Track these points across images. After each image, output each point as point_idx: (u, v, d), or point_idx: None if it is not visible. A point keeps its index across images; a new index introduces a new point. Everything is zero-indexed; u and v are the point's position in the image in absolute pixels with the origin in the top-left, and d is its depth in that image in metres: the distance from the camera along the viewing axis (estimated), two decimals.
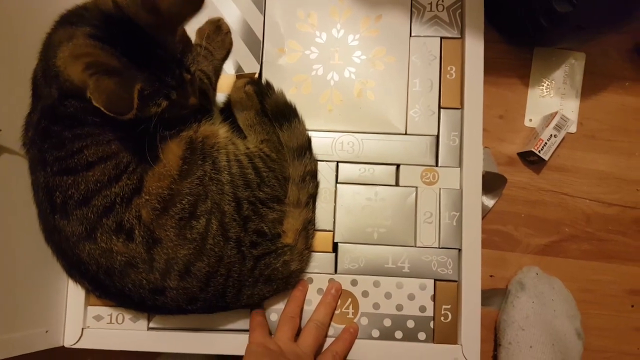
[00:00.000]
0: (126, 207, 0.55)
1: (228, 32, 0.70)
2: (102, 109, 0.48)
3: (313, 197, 0.67)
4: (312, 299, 0.67)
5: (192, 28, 0.70)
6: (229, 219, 0.59)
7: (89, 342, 0.66)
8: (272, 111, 0.67)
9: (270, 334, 0.65)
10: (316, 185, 0.68)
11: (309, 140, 0.68)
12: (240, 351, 0.64)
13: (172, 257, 0.56)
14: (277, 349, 0.59)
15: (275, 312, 0.66)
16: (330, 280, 0.67)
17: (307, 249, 0.66)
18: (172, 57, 0.54)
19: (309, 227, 0.66)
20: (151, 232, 0.55)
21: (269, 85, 0.69)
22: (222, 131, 0.64)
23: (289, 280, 0.65)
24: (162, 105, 0.53)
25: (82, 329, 0.66)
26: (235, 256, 0.59)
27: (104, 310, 0.67)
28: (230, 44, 0.71)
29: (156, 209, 0.55)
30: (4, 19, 0.58)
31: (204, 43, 0.68)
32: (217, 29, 0.70)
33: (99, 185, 0.55)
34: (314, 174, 0.68)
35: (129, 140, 0.57)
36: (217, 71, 0.70)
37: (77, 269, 0.59)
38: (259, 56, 0.71)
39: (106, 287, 0.59)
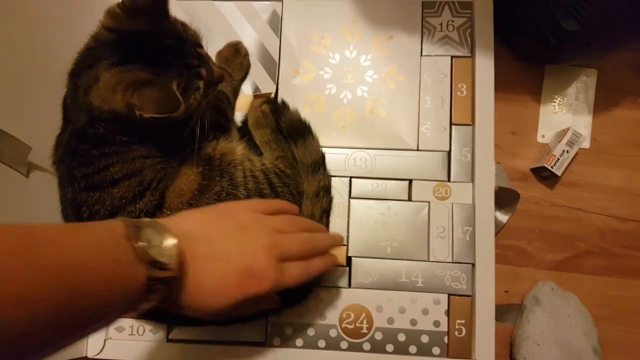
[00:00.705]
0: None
1: (246, 54, 0.73)
2: (155, 115, 0.51)
3: (327, 212, 0.69)
4: (326, 313, 0.68)
5: (211, 51, 0.73)
6: None
7: (111, 353, 0.68)
8: (287, 129, 0.70)
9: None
10: (330, 201, 0.69)
11: (322, 156, 0.70)
12: None
13: None
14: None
15: (290, 325, 0.68)
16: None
17: None
18: (182, 41, 0.56)
19: None
20: None
21: (284, 104, 0.71)
22: (239, 148, 0.66)
23: (302, 292, 0.66)
24: (200, 86, 0.56)
25: (105, 340, 0.68)
26: None
27: (126, 322, 0.69)
28: (249, 65, 0.74)
29: None
30: (38, 44, 0.62)
31: (223, 65, 0.71)
32: (236, 52, 0.73)
33: (123, 201, 0.57)
34: (327, 189, 0.69)
35: (152, 158, 0.59)
36: (236, 92, 0.73)
37: None
38: (274, 76, 0.74)
39: None
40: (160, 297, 0.42)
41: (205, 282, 0.46)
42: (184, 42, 0.56)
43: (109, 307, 0.39)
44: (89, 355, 0.68)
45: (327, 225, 0.69)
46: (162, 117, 0.51)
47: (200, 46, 0.58)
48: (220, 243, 0.49)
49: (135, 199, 0.57)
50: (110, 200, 0.57)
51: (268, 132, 0.70)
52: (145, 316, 0.66)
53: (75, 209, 0.59)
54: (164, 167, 0.60)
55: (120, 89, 0.52)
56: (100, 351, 0.68)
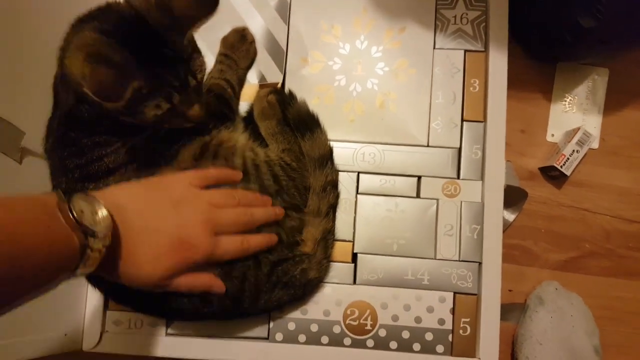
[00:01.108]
0: None
1: (252, 41, 0.71)
2: (91, 94, 0.47)
3: (333, 207, 0.67)
4: (330, 309, 0.66)
5: (217, 37, 0.70)
6: None
7: (108, 347, 0.66)
8: (295, 120, 0.68)
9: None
10: (337, 196, 0.68)
11: (330, 150, 0.68)
12: (258, 358, 0.65)
13: None
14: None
15: (293, 321, 0.66)
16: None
17: (326, 259, 0.66)
18: (179, 58, 0.52)
19: (328, 237, 0.66)
20: None
21: (291, 94, 0.69)
22: (241, 138, 0.64)
23: (306, 288, 0.64)
24: (162, 107, 0.52)
25: (101, 333, 0.66)
26: (249, 259, 0.58)
27: (123, 316, 0.67)
28: (255, 53, 0.71)
29: None
30: (29, 23, 0.59)
31: (228, 52, 0.69)
32: (242, 38, 0.70)
33: None
34: (334, 184, 0.68)
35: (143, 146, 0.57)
36: (241, 80, 0.71)
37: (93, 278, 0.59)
38: (282, 66, 0.71)
39: (124, 291, 0.59)
40: (95, 265, 0.44)
41: (139, 251, 0.49)
42: (181, 62, 0.53)
43: (43, 275, 0.41)
44: (85, 348, 0.66)
45: (333, 220, 0.67)
46: (96, 100, 0.48)
47: (194, 76, 0.54)
48: (152, 216, 0.51)
49: None
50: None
51: (274, 123, 0.67)
52: (141, 309, 0.64)
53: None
54: (161, 153, 0.57)
55: (84, 52, 0.47)
56: (97, 344, 0.66)
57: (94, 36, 0.49)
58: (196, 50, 0.55)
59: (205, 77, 0.63)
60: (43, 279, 0.41)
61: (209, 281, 0.56)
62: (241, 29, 0.71)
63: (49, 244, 0.40)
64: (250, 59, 0.71)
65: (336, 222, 0.68)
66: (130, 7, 0.52)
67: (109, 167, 0.56)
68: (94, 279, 0.60)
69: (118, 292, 0.60)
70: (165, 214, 0.52)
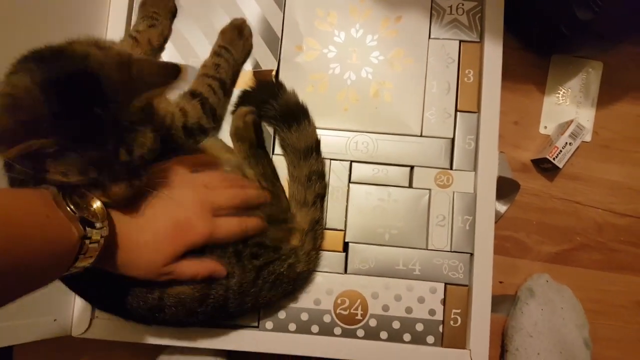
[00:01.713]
0: None
1: (250, 36, 0.70)
2: None
3: (321, 196, 0.67)
4: (321, 298, 0.66)
5: (215, 28, 0.70)
6: None
7: (97, 333, 0.66)
8: (282, 111, 0.67)
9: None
10: (324, 186, 0.67)
11: (317, 141, 0.67)
12: (248, 347, 0.64)
13: None
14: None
15: (283, 310, 0.66)
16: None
17: (315, 250, 0.65)
18: (115, 124, 0.44)
19: (316, 228, 0.65)
20: None
21: (280, 85, 0.68)
22: (226, 156, 0.63)
23: (296, 282, 0.64)
24: (70, 177, 0.43)
25: (91, 320, 0.66)
26: (234, 267, 0.57)
27: None
28: (251, 46, 0.70)
29: None
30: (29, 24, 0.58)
31: (227, 45, 0.67)
32: (239, 34, 0.69)
33: None
34: (320, 174, 0.67)
35: None
36: (236, 75, 0.69)
37: (77, 286, 0.58)
38: (277, 53, 0.71)
39: (110, 299, 0.58)
40: (94, 256, 0.44)
41: (139, 239, 0.49)
42: (116, 130, 0.44)
43: (42, 268, 0.41)
44: (74, 334, 0.65)
45: (321, 210, 0.66)
46: None
47: (129, 152, 0.45)
48: (146, 203, 0.50)
49: None
50: None
51: (246, 147, 0.65)
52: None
53: None
54: None
55: (4, 99, 0.41)
56: (86, 330, 0.65)
57: (27, 85, 0.41)
58: (147, 122, 0.47)
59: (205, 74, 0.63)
60: (41, 272, 0.41)
61: (213, 265, 0.55)
62: (239, 24, 0.69)
63: (48, 235, 0.40)
64: (247, 53, 0.70)
65: (328, 211, 0.68)
66: (85, 57, 0.45)
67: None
68: (78, 288, 0.59)
69: (104, 299, 0.59)
70: (159, 200, 0.51)
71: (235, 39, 0.69)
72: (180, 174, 0.55)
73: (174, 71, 0.46)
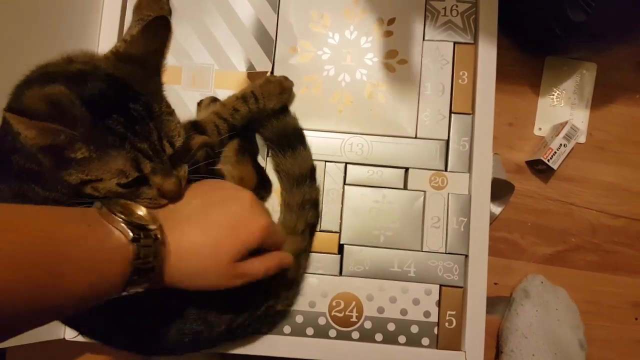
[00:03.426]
0: None
1: (288, 95, 0.67)
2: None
3: (311, 227, 0.65)
4: (316, 301, 0.66)
5: (210, 31, 0.69)
6: None
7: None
8: (279, 135, 0.65)
9: None
10: (316, 215, 0.66)
11: (312, 168, 0.66)
12: (242, 349, 0.64)
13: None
14: None
15: (288, 325, 0.66)
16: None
17: (296, 283, 0.64)
18: (149, 117, 0.43)
19: (301, 258, 0.64)
20: None
21: (284, 107, 0.67)
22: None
23: (274, 321, 0.63)
24: (128, 174, 0.42)
25: None
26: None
27: None
28: (284, 103, 0.67)
29: None
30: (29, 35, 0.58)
31: (260, 95, 0.64)
32: (282, 89, 0.66)
33: None
34: (314, 203, 0.66)
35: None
36: (249, 118, 0.65)
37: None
38: (271, 55, 0.71)
39: (103, 327, 0.57)
40: (153, 264, 0.41)
41: (196, 242, 0.46)
42: (153, 121, 0.44)
43: (92, 282, 0.38)
44: (67, 337, 0.65)
45: (309, 242, 0.65)
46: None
47: (172, 143, 0.45)
48: (196, 204, 0.48)
49: None
50: None
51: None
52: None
53: None
54: None
55: (46, 96, 0.40)
56: (78, 334, 0.65)
57: (63, 90, 0.41)
58: (171, 114, 0.47)
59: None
60: (89, 287, 0.38)
61: (279, 256, 0.54)
62: (287, 82, 0.67)
63: (90, 243, 0.38)
64: (275, 108, 0.66)
65: (323, 213, 0.67)
66: (98, 69, 0.44)
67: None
68: (71, 320, 0.57)
69: (96, 329, 0.57)
70: (206, 200, 0.49)
71: (275, 94, 0.65)
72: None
73: (161, 25, 0.46)
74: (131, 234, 0.40)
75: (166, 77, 0.68)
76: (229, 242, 0.47)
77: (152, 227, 0.42)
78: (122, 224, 0.40)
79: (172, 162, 0.46)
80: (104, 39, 0.70)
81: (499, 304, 0.75)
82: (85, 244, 0.38)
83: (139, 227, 0.41)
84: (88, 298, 0.38)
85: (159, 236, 0.42)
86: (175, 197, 0.47)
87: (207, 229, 0.47)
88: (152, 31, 0.46)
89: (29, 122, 0.38)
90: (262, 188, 0.66)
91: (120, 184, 0.42)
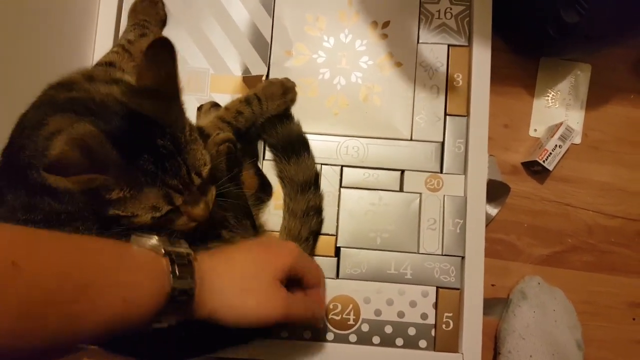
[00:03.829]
0: None
1: (293, 100, 0.68)
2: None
3: (315, 234, 0.65)
4: None
5: (205, 35, 0.70)
6: None
7: None
8: (283, 142, 0.66)
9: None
10: (320, 222, 0.66)
11: (316, 175, 0.67)
12: (238, 353, 0.64)
13: None
14: None
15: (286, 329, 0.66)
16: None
17: None
18: (178, 151, 0.45)
19: None
20: None
21: (288, 114, 0.67)
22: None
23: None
24: (161, 209, 0.45)
25: None
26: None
27: None
28: (289, 108, 0.68)
29: None
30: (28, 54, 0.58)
31: (264, 98, 0.65)
32: (285, 91, 0.67)
33: None
34: (318, 210, 0.66)
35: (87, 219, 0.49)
36: (254, 123, 0.66)
37: None
38: (266, 58, 0.71)
39: None
40: (192, 292, 0.41)
41: (234, 262, 0.47)
42: (181, 156, 0.45)
43: (130, 307, 0.37)
44: None
45: (313, 247, 0.65)
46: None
47: (199, 174, 0.47)
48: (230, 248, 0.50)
49: None
50: None
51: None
52: None
53: None
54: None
55: (77, 142, 0.41)
56: None
57: (92, 130, 0.42)
58: (195, 140, 0.48)
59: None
60: (121, 315, 0.37)
61: (320, 304, 0.56)
62: (290, 83, 0.68)
63: (123, 269, 0.38)
64: (280, 111, 0.67)
65: (322, 217, 0.67)
66: (121, 105, 0.45)
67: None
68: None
69: None
70: (242, 245, 0.52)
71: (277, 96, 0.66)
72: None
73: (166, 49, 0.45)
74: (163, 250, 0.41)
75: None
76: (267, 257, 0.49)
77: (185, 250, 0.43)
78: (153, 249, 0.41)
79: (200, 188, 0.48)
80: (100, 42, 0.71)
81: (496, 305, 0.75)
82: (118, 266, 0.38)
83: (174, 252, 0.41)
84: (117, 324, 0.37)
85: (192, 256, 0.43)
86: (204, 219, 0.49)
87: (244, 251, 0.48)
88: (156, 56, 0.46)
89: (64, 181, 0.40)
90: (262, 191, 0.66)
91: (154, 217, 0.44)
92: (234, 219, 0.57)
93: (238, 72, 0.71)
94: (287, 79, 0.68)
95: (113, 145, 0.42)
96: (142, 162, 0.43)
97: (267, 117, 0.66)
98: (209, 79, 0.71)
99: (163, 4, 0.71)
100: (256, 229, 0.61)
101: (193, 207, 0.47)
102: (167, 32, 0.71)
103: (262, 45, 0.71)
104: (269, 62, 0.71)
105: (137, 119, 0.44)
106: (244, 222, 0.59)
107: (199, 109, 0.69)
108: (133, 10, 0.70)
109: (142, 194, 0.43)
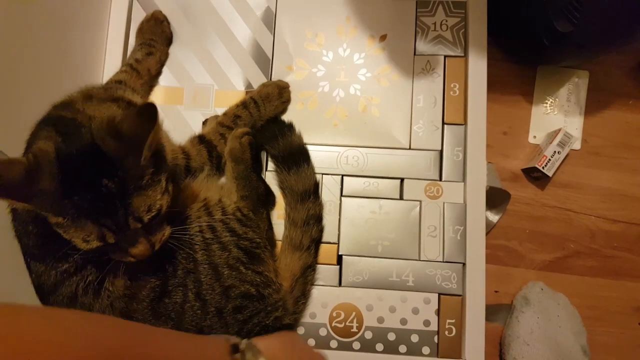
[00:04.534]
0: (94, 296, 0.54)
1: (288, 100, 0.71)
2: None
3: (316, 241, 0.67)
4: (316, 312, 0.67)
5: (209, 52, 0.73)
6: (206, 289, 0.57)
7: None
8: (284, 153, 0.67)
9: None
10: (321, 230, 0.68)
11: (315, 185, 0.68)
12: None
13: None
14: None
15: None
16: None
17: (303, 297, 0.65)
18: (122, 194, 0.47)
19: (307, 273, 0.65)
20: (126, 317, 0.54)
21: (289, 125, 0.70)
22: (200, 196, 0.62)
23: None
24: (91, 243, 0.47)
25: None
26: (217, 324, 0.57)
27: None
28: (285, 110, 0.72)
29: (125, 295, 0.55)
30: (30, 54, 0.61)
31: (260, 100, 0.68)
32: (281, 92, 0.70)
33: (65, 275, 0.55)
34: (318, 218, 0.67)
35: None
36: (254, 126, 0.69)
37: None
38: (268, 73, 0.73)
39: None
40: None
41: None
42: (124, 200, 0.47)
43: None
44: None
45: (315, 256, 0.67)
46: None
47: (139, 219, 0.48)
48: None
49: (74, 274, 0.54)
50: (54, 274, 0.55)
51: (241, 168, 0.65)
52: None
53: (28, 271, 0.57)
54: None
55: (31, 156, 0.45)
56: None
57: (50, 154, 0.46)
58: (153, 188, 0.49)
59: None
60: None
61: None
62: (284, 84, 0.71)
63: None
64: (276, 114, 0.71)
65: (322, 225, 0.68)
66: (89, 134, 0.48)
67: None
68: None
69: None
70: None
71: (274, 97, 0.69)
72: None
73: (150, 117, 0.47)
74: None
75: (169, 98, 0.73)
76: None
77: None
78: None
79: (147, 229, 0.50)
80: (109, 62, 0.74)
81: (500, 311, 0.75)
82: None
83: None
84: None
85: None
86: (143, 257, 0.50)
87: None
88: (140, 117, 0.47)
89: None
90: (266, 201, 0.68)
91: (88, 249, 0.47)
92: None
93: (241, 87, 0.73)
94: (280, 80, 0.72)
95: (60, 171, 0.45)
96: (77, 197, 0.46)
97: (266, 119, 0.69)
98: (213, 94, 0.73)
99: (168, 23, 0.74)
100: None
101: (130, 247, 0.49)
102: (173, 51, 0.74)
103: (264, 61, 0.74)
104: (271, 77, 0.73)
105: (97, 153, 0.47)
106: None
107: (204, 123, 0.72)
108: (140, 30, 0.73)
109: (78, 224, 0.46)
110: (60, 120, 0.51)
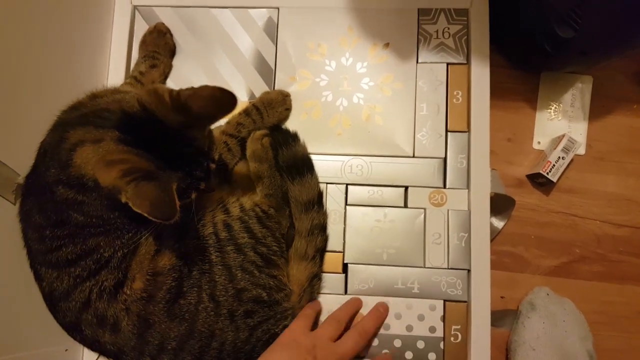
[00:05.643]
0: (109, 300, 0.55)
1: (290, 108, 0.72)
2: (146, 215, 0.46)
3: (321, 251, 0.67)
4: (323, 319, 0.68)
5: (213, 63, 0.74)
6: (220, 290, 0.58)
7: None
8: (288, 163, 0.68)
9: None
10: (325, 239, 0.68)
11: (319, 194, 0.69)
12: None
13: (165, 338, 0.56)
14: (309, 344, 0.59)
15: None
16: (380, 302, 0.68)
17: None
18: (200, 152, 0.53)
19: (314, 283, 0.66)
20: (142, 319, 0.56)
21: (294, 135, 0.70)
22: (215, 197, 0.64)
23: None
24: (192, 197, 0.54)
25: None
26: (228, 328, 0.58)
27: None
28: (287, 118, 0.72)
29: (143, 298, 0.56)
30: (32, 60, 0.62)
31: (262, 107, 0.69)
32: (284, 100, 0.71)
33: (78, 280, 0.55)
34: (322, 227, 0.68)
35: (109, 233, 0.55)
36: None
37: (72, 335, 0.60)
38: (271, 84, 0.74)
39: None
40: None
41: None
42: (201, 154, 0.54)
43: None
44: None
45: (320, 265, 0.68)
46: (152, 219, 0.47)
47: (214, 161, 0.56)
48: None
49: (90, 277, 0.55)
50: (67, 279, 0.56)
51: (265, 168, 0.67)
52: None
53: (37, 279, 0.58)
54: (127, 241, 0.56)
55: (119, 170, 0.47)
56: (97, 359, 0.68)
57: (121, 149, 0.49)
58: (213, 141, 0.56)
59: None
60: None
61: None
62: (285, 93, 0.72)
63: None
64: (279, 121, 0.72)
65: (327, 233, 0.69)
66: (144, 109, 0.51)
67: (68, 258, 0.55)
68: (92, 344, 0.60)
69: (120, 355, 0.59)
70: None
71: (277, 103, 0.70)
72: (311, 336, 0.61)
73: (229, 102, 0.51)
74: None
75: None
76: None
77: None
78: None
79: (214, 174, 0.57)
80: (113, 75, 0.75)
81: (506, 317, 0.75)
82: None
83: None
84: None
85: None
86: (215, 188, 0.59)
87: None
88: (220, 100, 0.51)
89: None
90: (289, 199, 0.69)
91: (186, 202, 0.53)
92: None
93: (244, 98, 0.74)
94: (281, 89, 0.73)
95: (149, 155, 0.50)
96: (177, 166, 0.51)
97: (269, 125, 0.70)
98: None
99: (171, 34, 0.75)
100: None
101: (208, 188, 0.56)
102: (176, 62, 0.75)
103: (267, 72, 0.74)
104: (274, 88, 0.74)
105: (163, 126, 0.50)
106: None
107: None
108: (143, 42, 0.74)
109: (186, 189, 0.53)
110: (89, 117, 0.52)
